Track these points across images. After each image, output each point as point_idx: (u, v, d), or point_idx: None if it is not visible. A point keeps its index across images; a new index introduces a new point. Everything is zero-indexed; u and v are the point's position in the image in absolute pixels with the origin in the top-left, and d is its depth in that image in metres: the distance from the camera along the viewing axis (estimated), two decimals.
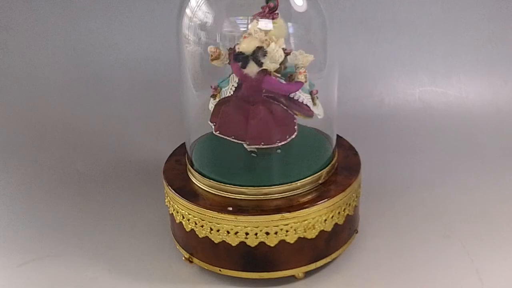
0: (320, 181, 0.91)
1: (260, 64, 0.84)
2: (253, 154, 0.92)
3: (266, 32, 0.85)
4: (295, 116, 0.89)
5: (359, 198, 0.95)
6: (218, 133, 0.91)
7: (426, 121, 1.36)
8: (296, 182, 0.88)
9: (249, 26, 0.86)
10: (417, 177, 1.17)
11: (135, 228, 1.06)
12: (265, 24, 0.85)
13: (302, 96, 0.89)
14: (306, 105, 0.90)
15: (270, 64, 0.84)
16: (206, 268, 0.91)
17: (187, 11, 0.92)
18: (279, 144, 0.88)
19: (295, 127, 0.88)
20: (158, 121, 1.40)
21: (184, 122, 1.00)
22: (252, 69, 0.85)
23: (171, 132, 1.23)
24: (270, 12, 0.86)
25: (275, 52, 0.84)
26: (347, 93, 1.34)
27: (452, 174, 1.18)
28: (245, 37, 0.85)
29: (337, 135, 0.99)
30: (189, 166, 0.95)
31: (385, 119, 1.38)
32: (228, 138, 0.90)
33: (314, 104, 0.90)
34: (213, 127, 0.91)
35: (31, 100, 1.47)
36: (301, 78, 0.87)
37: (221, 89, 0.92)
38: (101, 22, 1.48)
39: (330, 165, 0.93)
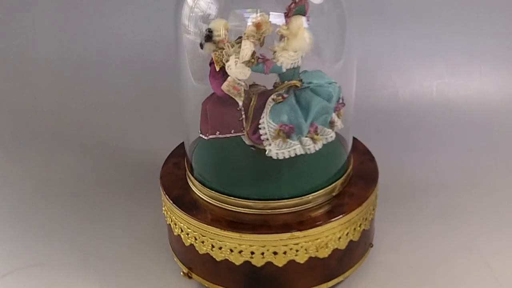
0: (333, 193, 0.82)
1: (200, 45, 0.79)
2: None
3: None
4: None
5: (375, 210, 0.87)
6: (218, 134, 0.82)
7: (444, 116, 1.27)
8: (308, 195, 0.79)
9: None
10: (434, 179, 1.09)
11: (129, 235, 0.97)
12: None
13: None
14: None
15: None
16: (206, 285, 0.83)
17: None
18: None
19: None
20: (156, 112, 1.30)
21: (182, 119, 0.91)
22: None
23: (170, 125, 1.14)
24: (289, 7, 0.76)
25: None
26: (359, 84, 1.23)
27: (472, 176, 1.09)
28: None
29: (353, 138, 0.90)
30: (188, 172, 0.87)
31: (399, 113, 1.28)
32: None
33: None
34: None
35: (17, 89, 1.36)
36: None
37: None
38: (94, 5, 1.37)
39: (345, 175, 0.84)
